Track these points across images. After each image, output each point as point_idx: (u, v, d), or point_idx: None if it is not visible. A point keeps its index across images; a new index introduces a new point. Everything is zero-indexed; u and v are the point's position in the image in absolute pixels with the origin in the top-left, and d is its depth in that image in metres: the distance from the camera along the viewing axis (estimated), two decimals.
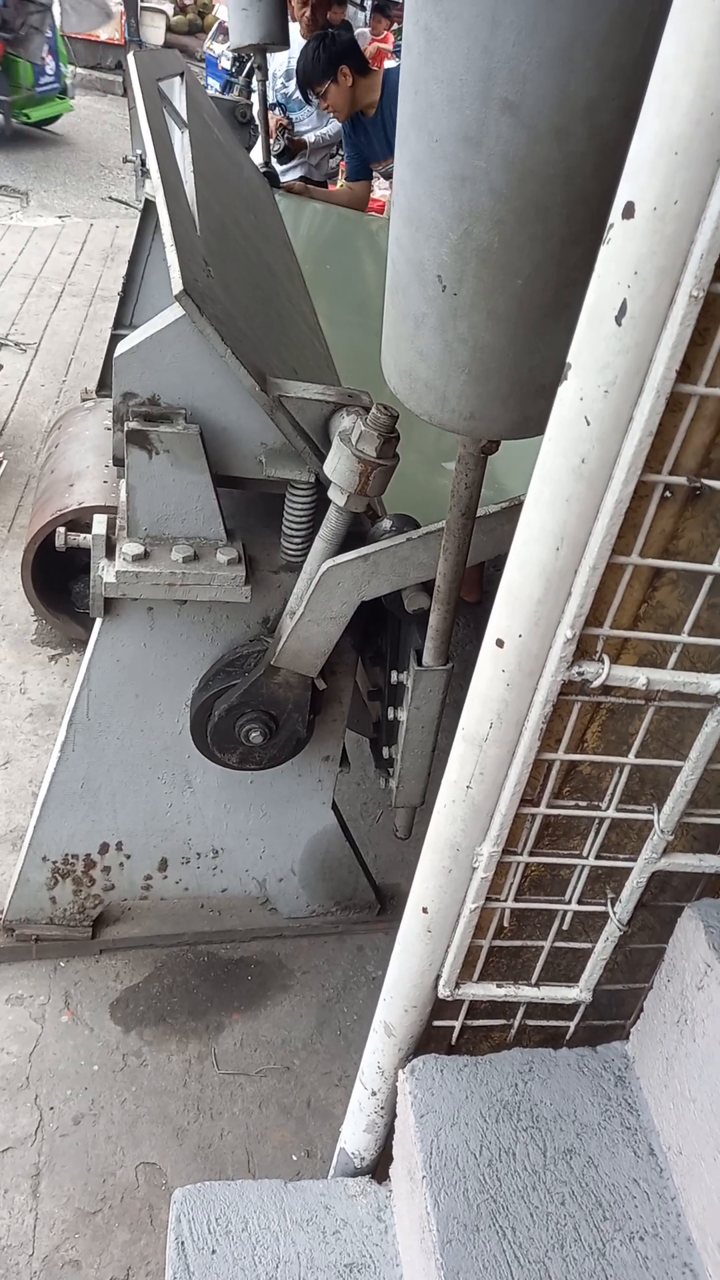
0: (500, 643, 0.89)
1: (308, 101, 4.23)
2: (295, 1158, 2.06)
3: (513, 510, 1.63)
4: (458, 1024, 1.27)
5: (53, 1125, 2.02)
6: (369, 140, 4.04)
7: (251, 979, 2.39)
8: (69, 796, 2.10)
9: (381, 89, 3.85)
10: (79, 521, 2.83)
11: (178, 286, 1.50)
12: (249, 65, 7.27)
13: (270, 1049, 2.25)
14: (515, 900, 1.15)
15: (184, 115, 2.63)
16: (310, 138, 5.12)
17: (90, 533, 1.75)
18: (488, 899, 1.12)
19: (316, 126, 5.20)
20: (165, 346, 1.58)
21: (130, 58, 2.73)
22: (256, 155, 3.96)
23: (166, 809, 2.17)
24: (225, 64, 8.95)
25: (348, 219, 3.99)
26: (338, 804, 2.30)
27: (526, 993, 1.24)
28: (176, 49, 9.18)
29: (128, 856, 2.23)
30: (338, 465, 1.52)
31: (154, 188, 1.96)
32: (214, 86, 9.25)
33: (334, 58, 3.72)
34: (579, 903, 1.17)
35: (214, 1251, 1.26)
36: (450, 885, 1.09)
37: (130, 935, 2.37)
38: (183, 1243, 1.27)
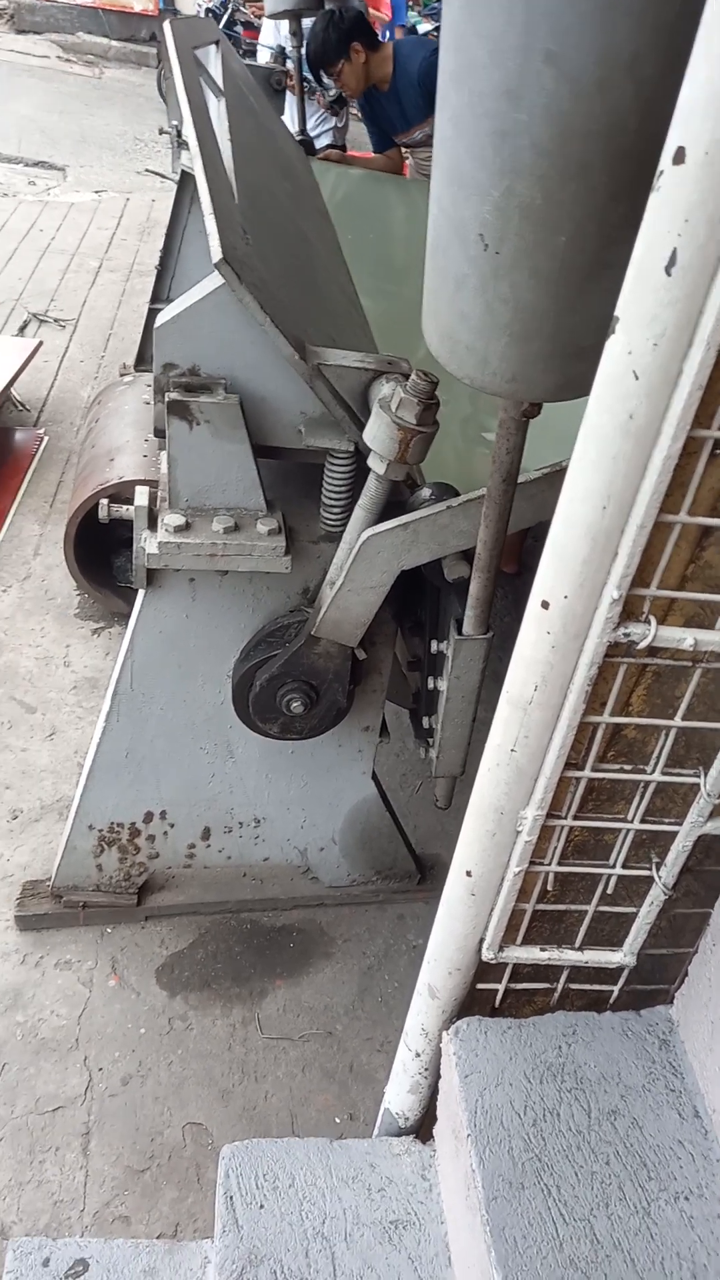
0: (545, 604, 0.89)
1: (319, 82, 4.14)
2: (338, 1120, 2.09)
3: (554, 476, 1.61)
4: (501, 987, 1.28)
5: (102, 1086, 2.07)
6: (385, 114, 3.97)
7: (294, 946, 2.42)
8: (114, 766, 2.13)
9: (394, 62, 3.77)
10: (120, 496, 2.85)
11: (217, 254, 1.49)
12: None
13: (313, 1015, 2.28)
14: (559, 864, 1.15)
15: (220, 83, 2.61)
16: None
17: (131, 505, 1.76)
18: (531, 863, 1.12)
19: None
20: (204, 316, 1.58)
21: (166, 25, 2.72)
22: (290, 123, 3.92)
23: (209, 778, 2.20)
24: None
25: (383, 183, 3.93)
26: (377, 774, 2.32)
27: (570, 956, 1.24)
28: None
29: (171, 825, 2.27)
30: (377, 433, 1.51)
31: (191, 157, 1.96)
32: None
33: (344, 35, 3.62)
34: (623, 867, 1.17)
35: (262, 1206, 1.29)
36: (494, 849, 1.10)
37: (174, 902, 2.40)
38: (231, 1197, 1.30)
